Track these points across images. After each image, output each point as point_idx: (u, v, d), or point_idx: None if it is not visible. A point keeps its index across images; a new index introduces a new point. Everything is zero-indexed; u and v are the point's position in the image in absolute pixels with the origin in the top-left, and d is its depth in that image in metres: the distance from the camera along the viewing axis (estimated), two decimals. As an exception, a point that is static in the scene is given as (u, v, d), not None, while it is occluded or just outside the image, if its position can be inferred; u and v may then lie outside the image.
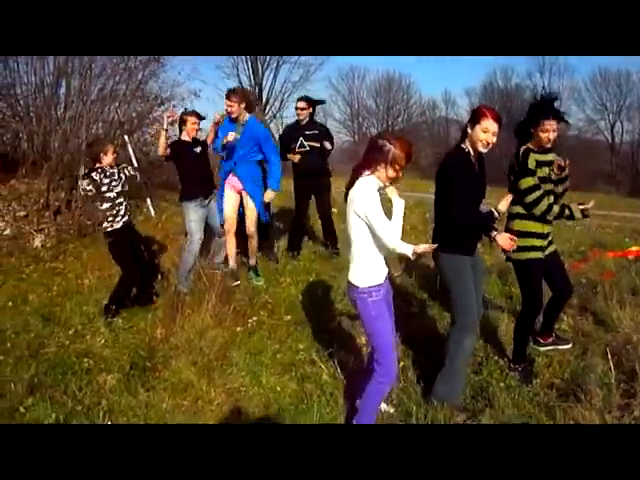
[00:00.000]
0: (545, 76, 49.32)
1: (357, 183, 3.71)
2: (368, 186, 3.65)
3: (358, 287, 3.76)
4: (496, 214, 4.21)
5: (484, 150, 4.19)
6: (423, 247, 3.75)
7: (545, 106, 4.63)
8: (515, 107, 44.98)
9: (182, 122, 7.01)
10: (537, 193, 4.60)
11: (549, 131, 4.57)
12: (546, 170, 4.69)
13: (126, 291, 6.45)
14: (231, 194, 7.28)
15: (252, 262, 7.49)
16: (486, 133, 4.11)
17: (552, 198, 4.72)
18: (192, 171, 6.99)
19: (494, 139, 4.15)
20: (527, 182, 4.61)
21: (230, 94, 6.99)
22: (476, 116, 4.15)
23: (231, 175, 7.24)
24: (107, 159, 6.29)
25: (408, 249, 3.69)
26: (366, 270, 3.76)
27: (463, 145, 4.27)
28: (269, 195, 7.26)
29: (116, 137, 12.24)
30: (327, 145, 8.13)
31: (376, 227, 3.59)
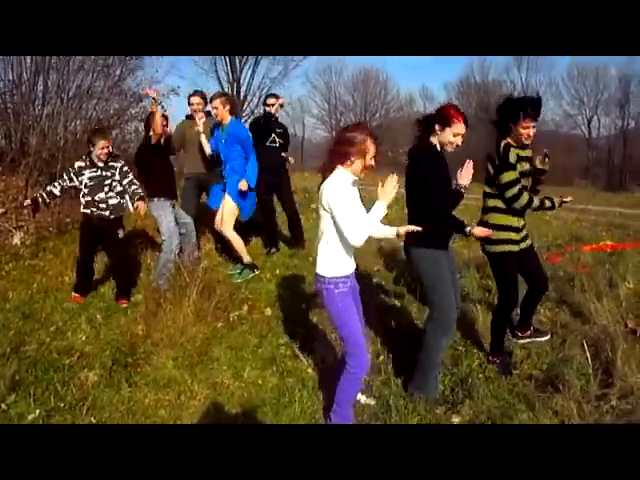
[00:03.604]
0: (522, 71, 49.54)
1: (330, 176, 3.75)
2: (338, 180, 3.70)
3: (325, 277, 3.78)
4: (462, 188, 4.18)
5: (451, 151, 4.26)
6: (404, 228, 4.04)
7: (526, 103, 4.64)
8: (493, 102, 45.19)
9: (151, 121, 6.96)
10: (518, 187, 4.62)
11: (529, 128, 4.60)
12: (525, 165, 4.74)
13: (79, 274, 6.86)
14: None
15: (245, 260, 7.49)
16: (457, 137, 4.19)
17: (528, 193, 4.77)
18: (167, 168, 7.05)
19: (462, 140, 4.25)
20: (509, 176, 4.61)
21: (213, 97, 7.25)
22: (446, 119, 4.18)
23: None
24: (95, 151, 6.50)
25: (391, 231, 3.97)
26: (333, 261, 3.78)
27: (433, 141, 4.31)
28: (243, 184, 7.19)
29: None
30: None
31: (340, 222, 3.62)
